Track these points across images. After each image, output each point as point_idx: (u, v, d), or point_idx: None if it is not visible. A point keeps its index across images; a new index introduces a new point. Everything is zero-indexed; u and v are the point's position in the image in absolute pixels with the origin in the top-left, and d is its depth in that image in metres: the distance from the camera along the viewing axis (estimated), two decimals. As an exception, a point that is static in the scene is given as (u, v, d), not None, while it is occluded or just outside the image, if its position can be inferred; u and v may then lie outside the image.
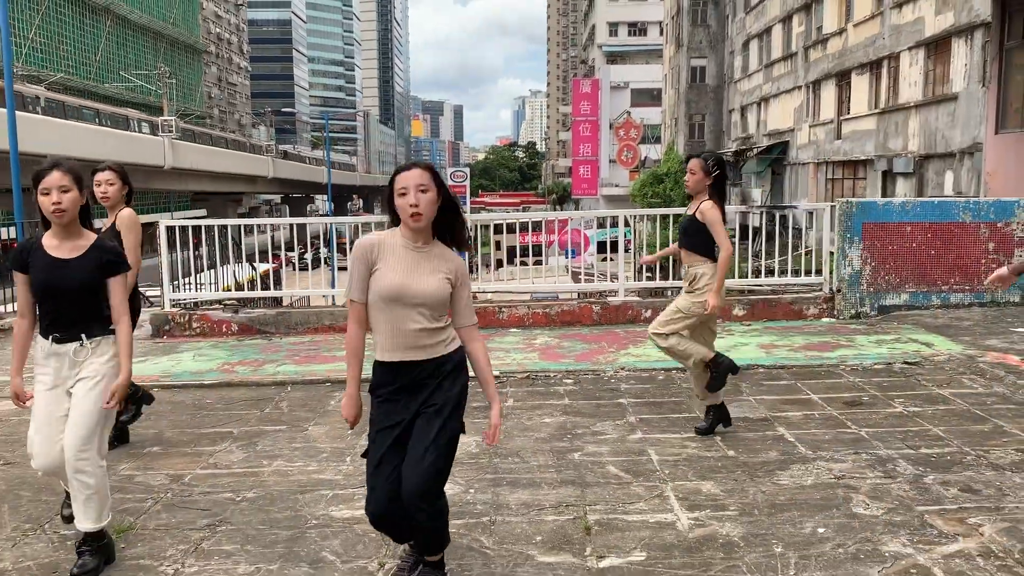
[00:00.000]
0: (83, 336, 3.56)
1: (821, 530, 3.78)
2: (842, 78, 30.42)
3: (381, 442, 3.15)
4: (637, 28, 71.88)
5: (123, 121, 50.29)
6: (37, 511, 4.29)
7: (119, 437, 5.32)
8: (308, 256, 15.36)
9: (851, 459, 4.73)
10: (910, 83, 25.00)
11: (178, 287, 10.09)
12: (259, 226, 10.68)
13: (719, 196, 5.05)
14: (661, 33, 62.83)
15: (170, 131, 51.83)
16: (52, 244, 3.54)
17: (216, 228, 9.61)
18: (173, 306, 9.57)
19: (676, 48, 51.79)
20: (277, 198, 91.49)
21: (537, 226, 13.16)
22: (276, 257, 19.79)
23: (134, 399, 5.39)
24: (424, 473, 3.06)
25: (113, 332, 3.65)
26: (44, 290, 3.53)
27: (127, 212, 5.19)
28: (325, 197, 78.70)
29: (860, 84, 28.78)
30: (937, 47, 23.49)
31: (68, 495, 3.87)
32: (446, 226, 3.20)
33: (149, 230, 7.35)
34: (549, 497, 4.29)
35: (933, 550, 3.55)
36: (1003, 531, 3.70)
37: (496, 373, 6.98)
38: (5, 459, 5.19)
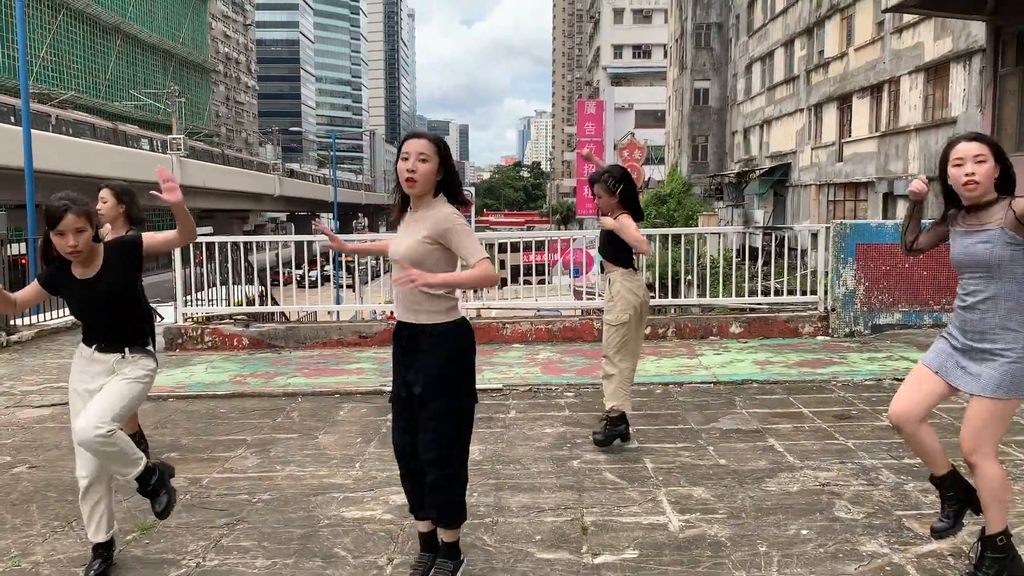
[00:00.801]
0: (126, 349, 3.70)
1: (804, 532, 4.02)
2: (843, 101, 30.82)
3: (394, 403, 3.59)
4: (641, 51, 72.56)
5: (132, 139, 50.86)
6: (64, 510, 4.54)
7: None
8: (315, 274, 15.62)
9: (836, 468, 4.97)
10: (910, 107, 25.37)
11: (190, 302, 10.36)
12: (270, 243, 10.96)
13: (631, 209, 5.36)
14: (665, 56, 63.48)
15: (178, 149, 52.39)
16: (76, 269, 3.68)
17: (229, 245, 9.90)
18: (185, 320, 9.85)
19: (680, 71, 52.32)
20: (283, 216, 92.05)
21: (541, 245, 13.44)
22: (287, 275, 20.13)
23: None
24: (429, 446, 3.39)
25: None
26: (80, 311, 3.71)
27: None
28: (331, 215, 79.15)
29: (861, 107, 29.17)
30: (936, 72, 23.87)
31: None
32: (451, 187, 3.46)
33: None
34: (548, 500, 4.53)
35: (908, 550, 3.78)
36: (976, 533, 3.92)
37: (499, 386, 7.24)
38: (30, 463, 5.45)
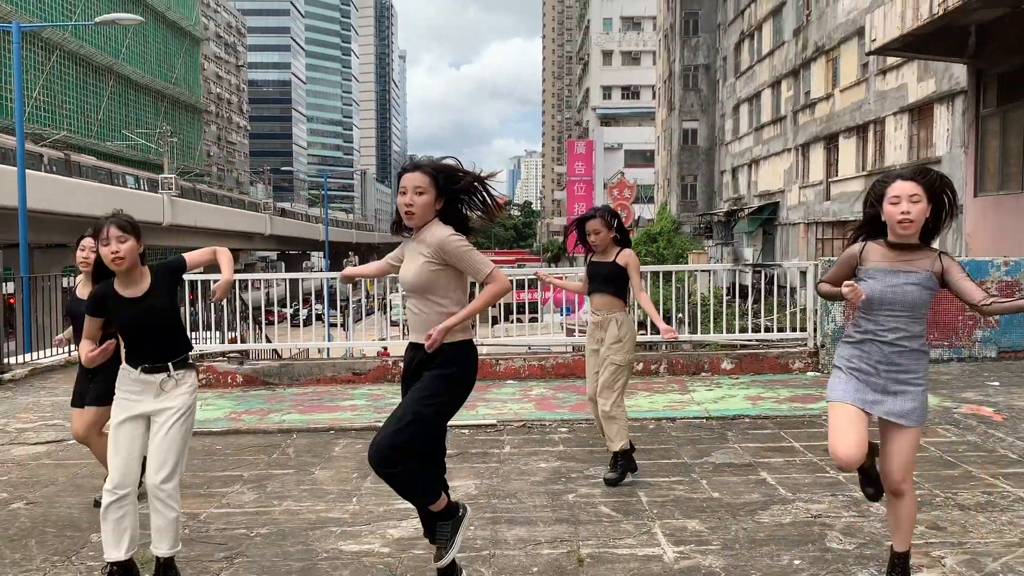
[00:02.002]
0: (170, 366, 3.85)
1: (797, 562, 4.08)
2: (830, 141, 31.28)
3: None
4: (630, 92, 73.51)
5: (120, 178, 51.01)
6: (63, 545, 4.56)
7: None
8: (307, 312, 15.67)
9: (828, 500, 5.04)
10: (895, 146, 25.78)
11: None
12: (264, 281, 11.04)
13: (624, 243, 5.46)
14: (653, 96, 64.33)
15: (169, 189, 52.56)
16: (122, 288, 3.84)
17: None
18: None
19: (668, 111, 53.01)
20: (273, 255, 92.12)
21: (533, 283, 13.54)
22: (281, 313, 20.10)
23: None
24: (382, 438, 3.42)
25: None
26: (127, 329, 3.84)
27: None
28: (321, 254, 79.30)
29: (848, 147, 29.61)
30: (920, 112, 24.31)
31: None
32: (455, 215, 3.57)
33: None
34: (544, 533, 4.58)
35: (899, 579, 3.84)
36: (963, 562, 4.00)
37: (493, 421, 7.29)
38: (27, 499, 5.46)
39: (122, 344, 3.92)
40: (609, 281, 5.42)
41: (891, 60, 25.77)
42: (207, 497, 5.42)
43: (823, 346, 9.40)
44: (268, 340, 12.46)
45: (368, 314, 24.37)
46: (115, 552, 3.77)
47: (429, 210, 3.48)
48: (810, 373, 9.36)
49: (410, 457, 3.45)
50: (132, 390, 3.85)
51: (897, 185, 3.39)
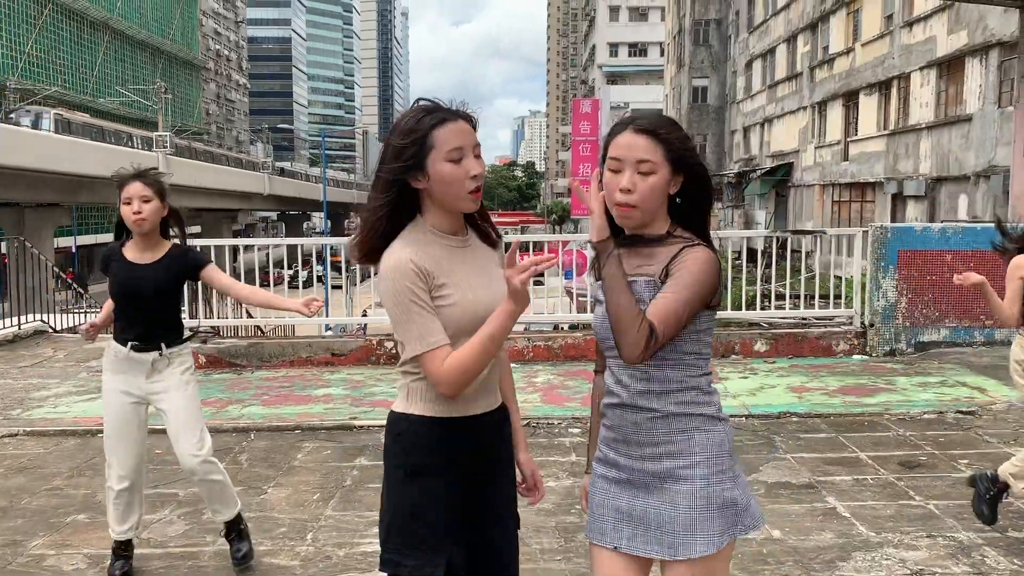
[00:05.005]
0: (163, 345, 3.55)
1: (912, 659, 2.91)
2: (849, 98, 29.80)
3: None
4: (637, 49, 71.51)
5: (137, 139, 49.60)
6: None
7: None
8: (304, 276, 14.44)
9: (925, 545, 3.86)
10: (921, 104, 24.33)
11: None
12: (258, 246, 9.77)
13: None
14: (662, 54, 62.51)
15: (164, 147, 51.09)
16: (131, 252, 3.58)
17: (213, 247, 8.71)
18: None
19: (677, 68, 51.31)
20: (274, 215, 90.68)
21: (537, 247, 12.30)
22: (278, 275, 18.85)
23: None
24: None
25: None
26: (122, 295, 3.55)
27: None
28: (322, 214, 77.78)
29: (868, 104, 28.14)
30: (950, 67, 22.84)
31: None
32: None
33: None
34: (555, 599, 3.41)
35: None
36: None
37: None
38: None
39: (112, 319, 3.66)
40: None
41: (918, 11, 24.26)
42: (122, 530, 4.24)
43: (872, 325, 8.17)
44: (249, 315, 11.19)
45: (363, 278, 23.14)
46: (127, 532, 3.65)
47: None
48: (857, 357, 8.15)
49: None
50: (118, 372, 3.57)
51: (622, 139, 1.95)
